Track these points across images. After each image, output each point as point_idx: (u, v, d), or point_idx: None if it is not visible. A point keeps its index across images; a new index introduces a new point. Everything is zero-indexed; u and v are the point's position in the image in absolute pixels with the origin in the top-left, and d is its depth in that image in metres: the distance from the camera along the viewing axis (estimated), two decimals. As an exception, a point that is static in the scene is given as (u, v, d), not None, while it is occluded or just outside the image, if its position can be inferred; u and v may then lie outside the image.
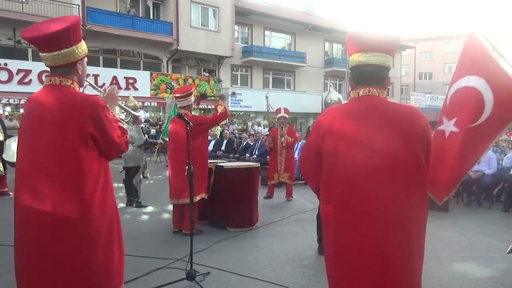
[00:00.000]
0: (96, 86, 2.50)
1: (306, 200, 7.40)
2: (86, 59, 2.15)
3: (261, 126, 19.18)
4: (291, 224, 5.66)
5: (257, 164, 5.61)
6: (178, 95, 4.84)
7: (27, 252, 1.94)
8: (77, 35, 2.02)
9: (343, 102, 4.23)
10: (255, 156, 10.49)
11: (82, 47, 2.06)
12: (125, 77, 18.30)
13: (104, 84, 15.23)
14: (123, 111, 2.69)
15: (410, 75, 39.82)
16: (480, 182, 7.08)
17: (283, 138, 7.36)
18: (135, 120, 2.52)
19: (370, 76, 1.94)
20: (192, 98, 4.90)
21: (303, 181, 9.26)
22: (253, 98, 22.13)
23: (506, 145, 7.82)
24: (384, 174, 1.80)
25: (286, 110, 7.52)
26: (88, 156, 1.96)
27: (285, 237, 5.00)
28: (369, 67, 1.93)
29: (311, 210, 6.49)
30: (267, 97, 7.95)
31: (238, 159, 10.34)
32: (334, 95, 4.20)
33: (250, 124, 20.15)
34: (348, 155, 1.85)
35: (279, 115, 7.50)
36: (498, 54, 3.32)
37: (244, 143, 11.38)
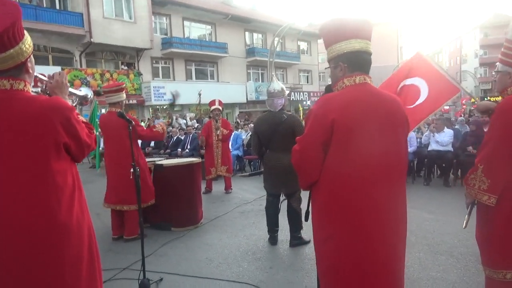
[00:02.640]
0: (40, 76, 2.14)
1: (246, 192, 7.39)
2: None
3: (185, 120, 18.69)
4: (236, 217, 5.59)
5: (198, 160, 5.42)
6: (107, 89, 4.46)
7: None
8: (21, 29, 1.68)
9: (286, 91, 4.23)
10: (187, 150, 10.20)
11: (28, 41, 1.72)
12: (32, 74, 16.51)
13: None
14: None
15: (326, 63, 41.73)
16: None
17: (218, 131, 7.22)
18: (83, 101, 2.16)
19: (366, 64, 1.94)
20: (124, 95, 4.54)
21: (247, 174, 9.23)
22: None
23: (422, 125, 8.56)
24: (393, 169, 1.88)
25: (220, 102, 7.38)
26: (61, 168, 1.72)
27: (233, 231, 4.92)
28: (365, 54, 1.92)
29: (254, 201, 6.50)
30: (200, 94, 7.83)
31: (169, 155, 9.96)
32: (277, 85, 4.16)
33: (174, 117, 19.56)
34: (361, 149, 1.81)
35: (213, 107, 7.34)
36: (440, 68, 5.28)
37: (175, 138, 11.00)
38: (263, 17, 28.85)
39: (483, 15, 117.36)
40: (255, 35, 28.83)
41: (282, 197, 4.31)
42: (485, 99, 38.68)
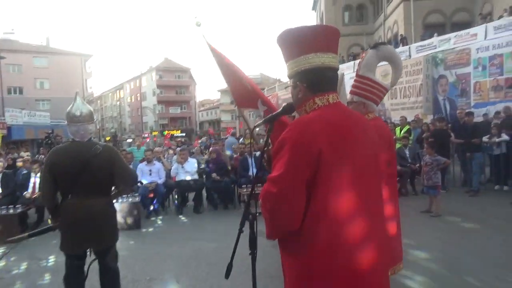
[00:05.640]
0: None
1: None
2: None
3: None
4: None
5: None
6: None
7: None
8: None
9: (95, 116, 3.24)
10: None
11: None
12: None
13: None
14: None
15: (-4, 89, 35.01)
16: (156, 191, 7.42)
17: None
18: None
19: (330, 82, 1.65)
20: None
21: (25, 235, 6.05)
22: None
23: (163, 156, 8.63)
24: (380, 198, 1.66)
25: None
26: None
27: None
28: (328, 71, 1.63)
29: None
30: None
31: None
32: (84, 107, 3.01)
33: None
34: (356, 189, 1.49)
35: None
36: None
37: None
38: None
39: (157, 58, 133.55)
40: None
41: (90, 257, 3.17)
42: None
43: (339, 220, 1.46)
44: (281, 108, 1.92)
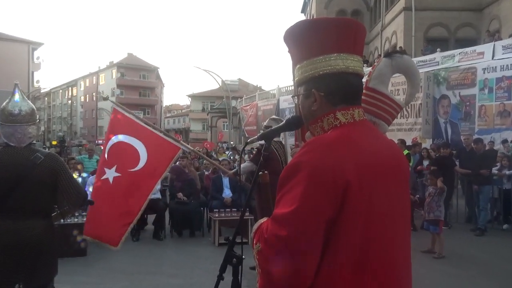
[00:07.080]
0: None
1: None
2: None
3: None
4: None
5: None
6: None
7: None
8: None
9: (37, 115, 2.96)
10: None
11: None
12: None
13: None
14: None
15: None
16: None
17: None
18: None
19: (355, 92, 1.45)
20: None
21: None
22: None
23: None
24: (408, 244, 1.46)
25: None
26: None
27: None
28: (353, 77, 1.43)
29: None
30: None
31: None
32: (25, 104, 2.73)
33: None
34: (389, 224, 1.33)
35: None
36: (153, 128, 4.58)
37: None
38: None
39: (119, 54, 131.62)
40: None
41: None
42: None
43: (366, 274, 1.25)
44: (282, 122, 1.73)
